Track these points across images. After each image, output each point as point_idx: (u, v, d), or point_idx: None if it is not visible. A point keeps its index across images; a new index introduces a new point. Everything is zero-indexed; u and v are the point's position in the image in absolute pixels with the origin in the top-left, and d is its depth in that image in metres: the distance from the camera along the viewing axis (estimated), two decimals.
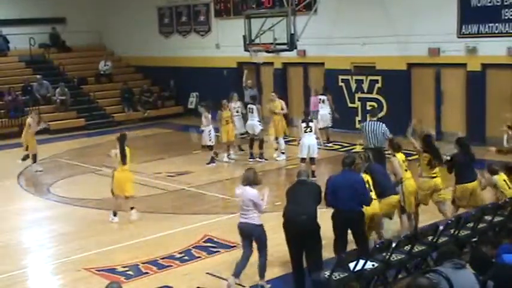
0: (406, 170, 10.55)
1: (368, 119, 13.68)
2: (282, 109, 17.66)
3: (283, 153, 17.37)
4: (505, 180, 10.57)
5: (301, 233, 8.47)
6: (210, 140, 16.92)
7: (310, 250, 8.53)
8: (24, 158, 17.42)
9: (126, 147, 12.49)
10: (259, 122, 17.45)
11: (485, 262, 6.90)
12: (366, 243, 9.33)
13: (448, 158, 10.85)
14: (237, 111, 18.02)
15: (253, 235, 9.04)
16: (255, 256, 10.34)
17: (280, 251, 10.26)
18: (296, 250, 8.63)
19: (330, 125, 19.42)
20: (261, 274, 9.19)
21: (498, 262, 7.02)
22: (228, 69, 24.61)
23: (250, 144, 17.49)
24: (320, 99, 19.43)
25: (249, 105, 17.91)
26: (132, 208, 12.70)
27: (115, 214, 12.70)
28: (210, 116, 17.00)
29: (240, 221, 9.09)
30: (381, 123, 13.23)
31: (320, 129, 18.94)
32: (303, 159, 15.12)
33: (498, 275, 6.56)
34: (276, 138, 17.69)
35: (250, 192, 8.93)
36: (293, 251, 8.68)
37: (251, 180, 9.04)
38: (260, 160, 17.22)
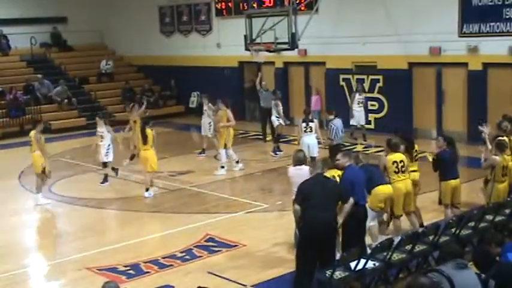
0: (397, 172, 10.17)
1: (332, 116, 14.09)
2: (229, 120, 16.15)
3: (222, 167, 16.15)
4: (503, 166, 10.65)
5: (323, 239, 8.25)
6: (106, 156, 15.45)
7: (329, 252, 8.36)
8: (132, 157, 16.73)
9: (149, 130, 14.17)
10: (277, 117, 18.16)
11: (489, 260, 6.89)
12: (364, 242, 9.36)
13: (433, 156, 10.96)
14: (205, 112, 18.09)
15: None
16: (254, 254, 10.38)
17: (280, 250, 10.30)
18: (313, 254, 8.30)
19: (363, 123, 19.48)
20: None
21: (502, 261, 7.01)
22: (230, 69, 24.60)
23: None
24: (359, 100, 19.27)
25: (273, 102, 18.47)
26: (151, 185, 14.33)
27: (147, 189, 14.24)
28: (109, 128, 15.63)
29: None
30: (341, 120, 13.93)
31: (357, 128, 19.35)
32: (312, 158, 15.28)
33: (500, 274, 6.56)
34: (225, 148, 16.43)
35: (308, 170, 9.63)
36: (309, 255, 8.33)
37: (303, 160, 9.93)
38: (275, 155, 17.69)
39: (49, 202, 14.09)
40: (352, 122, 19.31)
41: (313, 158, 15.12)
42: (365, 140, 19.24)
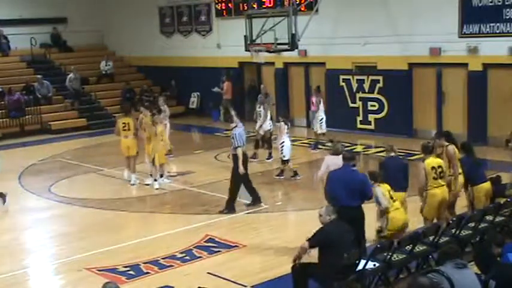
0: (436, 178, 9.94)
1: (234, 124, 13.04)
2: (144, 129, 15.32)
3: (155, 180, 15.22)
4: None
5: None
6: None
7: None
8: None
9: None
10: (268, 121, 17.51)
11: (490, 259, 6.90)
12: (364, 242, 9.30)
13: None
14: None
15: None
16: (254, 254, 10.39)
17: (280, 251, 10.30)
18: None
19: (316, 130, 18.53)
20: None
21: (502, 261, 7.02)
22: (229, 69, 24.61)
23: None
24: (314, 101, 18.49)
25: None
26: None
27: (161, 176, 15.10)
28: None
29: None
30: (242, 127, 13.17)
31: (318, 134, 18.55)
32: (288, 161, 15.28)
33: (501, 274, 6.56)
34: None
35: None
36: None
37: (340, 151, 10.64)
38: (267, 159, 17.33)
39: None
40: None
41: (287, 161, 15.23)
42: (315, 148, 18.46)
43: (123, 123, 15.44)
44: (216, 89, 24.35)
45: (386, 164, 10.43)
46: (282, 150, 15.17)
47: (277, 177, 15.41)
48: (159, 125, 15.02)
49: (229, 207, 12.82)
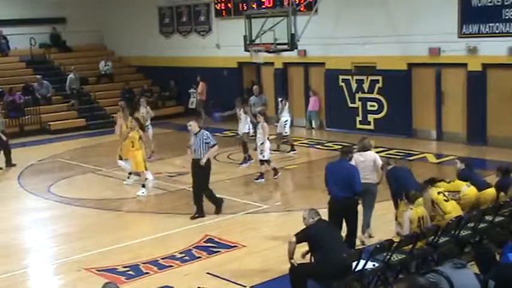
0: (446, 201, 9.89)
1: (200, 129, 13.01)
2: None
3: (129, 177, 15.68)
4: None
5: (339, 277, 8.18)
6: None
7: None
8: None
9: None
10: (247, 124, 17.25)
11: (490, 259, 6.90)
12: (355, 232, 9.81)
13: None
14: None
15: (369, 192, 10.27)
16: (253, 254, 10.38)
17: (279, 251, 10.28)
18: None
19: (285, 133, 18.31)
20: (364, 230, 10.45)
21: (502, 261, 7.02)
22: (229, 70, 24.60)
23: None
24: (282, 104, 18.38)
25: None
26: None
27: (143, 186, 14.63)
28: None
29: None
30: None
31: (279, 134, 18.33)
32: (268, 161, 15.25)
33: (500, 274, 6.56)
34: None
35: (374, 154, 10.62)
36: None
37: (368, 146, 10.77)
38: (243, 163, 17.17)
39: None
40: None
41: (268, 161, 15.20)
42: (290, 151, 18.20)
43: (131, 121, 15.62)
44: (191, 91, 24.50)
45: (392, 175, 10.54)
46: (261, 150, 15.03)
47: (275, 177, 15.38)
48: (136, 132, 14.80)
49: (218, 208, 12.82)
